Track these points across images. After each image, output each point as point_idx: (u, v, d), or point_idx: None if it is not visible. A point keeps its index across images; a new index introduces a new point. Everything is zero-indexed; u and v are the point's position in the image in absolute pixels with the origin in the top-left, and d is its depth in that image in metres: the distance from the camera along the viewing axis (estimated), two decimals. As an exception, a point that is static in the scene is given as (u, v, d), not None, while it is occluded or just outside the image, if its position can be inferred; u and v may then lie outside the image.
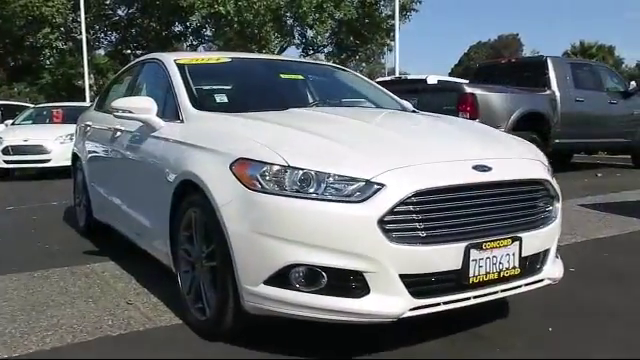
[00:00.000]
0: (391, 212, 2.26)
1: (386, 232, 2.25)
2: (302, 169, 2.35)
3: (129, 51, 29.99)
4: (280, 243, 2.33)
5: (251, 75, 3.93)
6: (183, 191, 2.91)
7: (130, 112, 3.34)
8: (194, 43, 28.87)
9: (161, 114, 3.38)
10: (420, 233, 2.29)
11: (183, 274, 3.00)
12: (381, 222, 2.25)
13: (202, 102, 3.30)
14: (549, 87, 9.38)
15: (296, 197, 2.33)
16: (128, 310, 3.20)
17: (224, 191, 2.51)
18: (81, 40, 23.85)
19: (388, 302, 2.29)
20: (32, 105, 15.27)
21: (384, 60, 40.21)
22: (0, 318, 3.10)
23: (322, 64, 4.16)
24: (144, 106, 3.33)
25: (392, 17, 26.02)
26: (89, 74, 24.22)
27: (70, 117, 11.83)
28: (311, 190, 2.33)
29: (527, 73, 9.89)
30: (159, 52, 4.33)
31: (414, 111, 3.90)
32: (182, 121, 3.21)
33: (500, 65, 11.04)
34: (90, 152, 4.85)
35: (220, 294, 2.58)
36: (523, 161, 2.79)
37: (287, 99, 3.64)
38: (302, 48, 28.10)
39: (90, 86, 24.17)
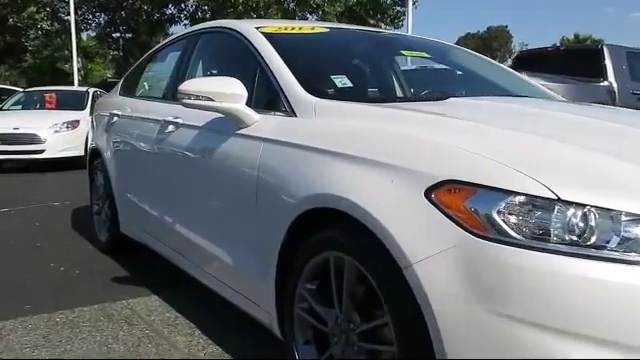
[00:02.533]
0: None
1: None
2: (581, 205, 1.36)
3: (118, 34, 28.57)
4: (548, 337, 1.33)
5: (366, 51, 2.90)
6: (308, 222, 1.90)
7: (209, 99, 2.30)
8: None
9: (249, 104, 2.35)
10: None
11: (302, 346, 1.99)
12: None
13: (318, 87, 2.27)
14: (605, 78, 8.47)
15: (575, 255, 1.34)
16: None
17: (417, 235, 1.51)
18: (67, 21, 22.45)
19: None
20: (21, 89, 14.00)
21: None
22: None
23: (428, 39, 3.11)
24: (232, 91, 2.29)
25: (397, 4, 24.99)
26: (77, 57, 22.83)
27: (65, 102, 10.71)
28: (600, 242, 1.34)
29: (578, 62, 8.99)
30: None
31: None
32: (290, 113, 2.19)
33: (545, 53, 10.10)
34: (120, 149, 3.79)
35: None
36: None
37: (435, 85, 2.63)
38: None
39: (78, 70, 22.80)
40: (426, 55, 2.91)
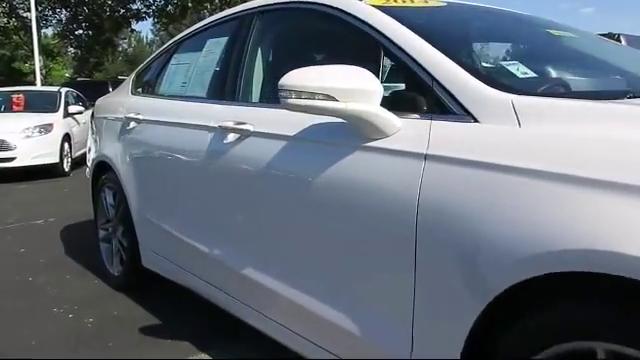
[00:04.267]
0: None
1: None
2: None
3: (81, 31, 27.19)
4: None
5: (514, 31, 2.20)
6: (535, 292, 1.20)
7: (329, 98, 1.56)
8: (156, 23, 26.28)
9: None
10: None
11: None
12: None
13: (495, 80, 1.55)
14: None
15: None
16: None
17: None
18: (27, 17, 21.12)
19: None
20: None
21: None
22: None
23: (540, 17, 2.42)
24: (364, 86, 1.57)
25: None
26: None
27: (34, 104, 9.71)
28: None
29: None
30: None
31: None
32: (463, 118, 1.47)
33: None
34: (143, 163, 3.01)
35: None
36: None
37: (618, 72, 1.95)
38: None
39: (39, 69, 21.49)
40: (572, 35, 2.23)
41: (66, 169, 9.09)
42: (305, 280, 1.88)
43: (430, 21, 1.94)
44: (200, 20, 3.22)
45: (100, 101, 3.90)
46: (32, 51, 20.59)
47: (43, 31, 27.84)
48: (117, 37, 29.33)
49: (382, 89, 1.60)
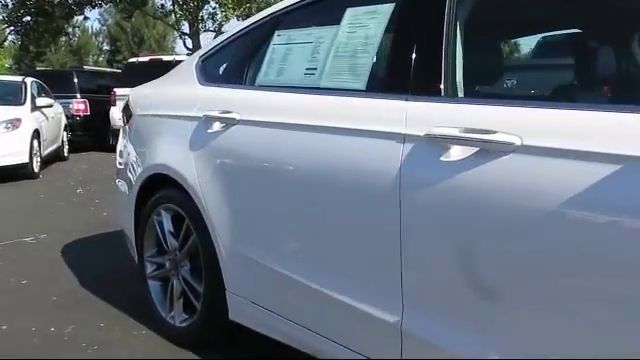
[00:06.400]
0: None
1: None
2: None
3: (29, 17, 25.28)
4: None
5: None
6: None
7: None
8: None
9: None
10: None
11: None
12: None
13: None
14: None
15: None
16: None
17: None
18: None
19: None
20: None
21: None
22: None
23: None
24: None
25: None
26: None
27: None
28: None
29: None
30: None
31: None
32: None
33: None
34: (243, 180, 2.17)
35: None
36: None
37: None
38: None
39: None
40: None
41: (36, 169, 7.97)
42: None
43: None
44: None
45: (142, 93, 3.01)
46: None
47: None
48: (69, 24, 27.40)
49: None
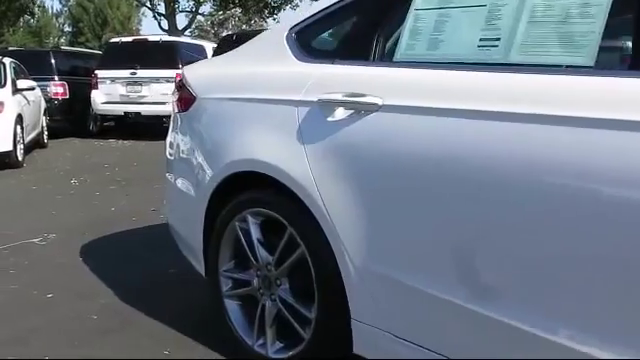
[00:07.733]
0: None
1: None
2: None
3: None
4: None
5: None
6: None
7: None
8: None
9: None
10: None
11: None
12: None
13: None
14: None
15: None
16: None
17: None
18: None
19: None
20: None
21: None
22: None
23: None
24: None
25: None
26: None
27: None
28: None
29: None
30: None
31: None
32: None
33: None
34: (386, 182, 1.71)
35: None
36: None
37: None
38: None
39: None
40: None
41: (19, 158, 7.29)
42: None
43: None
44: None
45: (207, 73, 2.51)
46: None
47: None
48: (34, 4, 26.02)
49: None
